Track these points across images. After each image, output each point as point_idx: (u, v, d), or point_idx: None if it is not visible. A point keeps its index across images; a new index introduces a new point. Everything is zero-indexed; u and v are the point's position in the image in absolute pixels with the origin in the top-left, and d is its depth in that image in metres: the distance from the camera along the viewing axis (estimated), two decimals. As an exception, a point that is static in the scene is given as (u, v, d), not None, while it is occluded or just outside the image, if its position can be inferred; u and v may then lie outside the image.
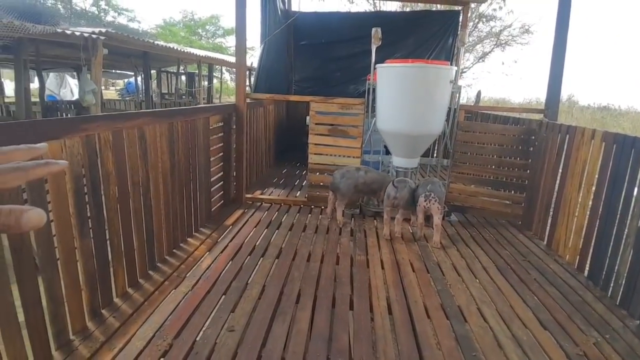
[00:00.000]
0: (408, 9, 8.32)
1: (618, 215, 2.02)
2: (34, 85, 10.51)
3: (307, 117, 3.27)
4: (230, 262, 2.16)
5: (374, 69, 3.01)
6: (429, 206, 2.48)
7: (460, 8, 5.21)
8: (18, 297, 1.24)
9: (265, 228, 2.71)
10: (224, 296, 1.81)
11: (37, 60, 8.17)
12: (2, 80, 10.32)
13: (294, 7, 5.55)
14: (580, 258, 2.30)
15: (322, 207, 3.17)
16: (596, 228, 2.18)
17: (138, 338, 1.47)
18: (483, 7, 11.03)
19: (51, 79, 14.05)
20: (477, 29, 11.96)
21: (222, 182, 3.09)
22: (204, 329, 1.55)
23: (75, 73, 12.29)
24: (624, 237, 1.94)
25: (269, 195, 3.49)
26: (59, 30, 5.88)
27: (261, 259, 2.22)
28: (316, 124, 3.15)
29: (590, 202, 2.26)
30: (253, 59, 5.91)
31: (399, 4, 9.54)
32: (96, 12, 18.09)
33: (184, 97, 13.59)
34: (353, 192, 2.80)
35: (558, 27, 2.96)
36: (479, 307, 1.82)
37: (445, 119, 3.01)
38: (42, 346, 1.33)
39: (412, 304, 1.81)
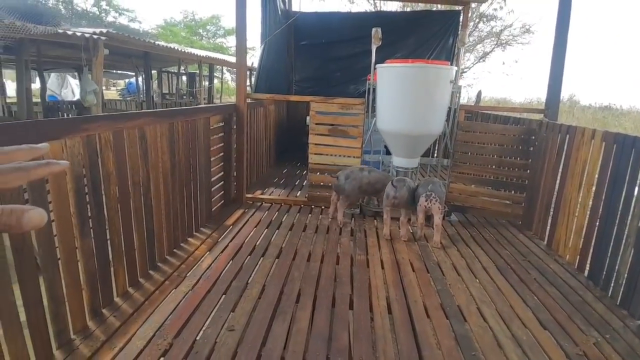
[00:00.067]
0: (408, 9, 8.31)
1: (618, 215, 2.01)
2: (36, 85, 10.55)
3: (308, 117, 3.27)
4: (231, 262, 2.16)
5: (374, 69, 3.01)
6: (430, 206, 2.48)
7: (460, 8, 5.20)
8: (19, 296, 1.25)
9: (266, 228, 2.71)
10: (224, 296, 1.81)
11: (38, 60, 8.20)
12: (4, 80, 10.33)
13: (295, 7, 5.56)
14: (580, 258, 2.30)
15: (323, 207, 3.17)
16: (596, 228, 2.18)
17: (138, 337, 1.48)
18: (483, 7, 11.02)
19: (52, 79, 14.09)
20: (477, 29, 11.93)
21: (222, 182, 3.10)
22: (204, 328, 1.56)
23: (76, 73, 12.34)
24: (625, 237, 1.94)
25: (270, 195, 3.49)
26: (60, 30, 5.89)
27: (261, 258, 2.22)
28: (316, 124, 3.15)
29: (591, 202, 2.26)
30: (253, 59, 5.91)
31: (400, 4, 9.53)
32: (97, 13, 18.12)
33: (184, 97, 13.60)
34: (357, 192, 2.80)
35: (558, 27, 2.96)
36: (478, 306, 1.82)
37: (445, 119, 3.01)
38: (43, 345, 1.34)
39: (412, 304, 1.81)
